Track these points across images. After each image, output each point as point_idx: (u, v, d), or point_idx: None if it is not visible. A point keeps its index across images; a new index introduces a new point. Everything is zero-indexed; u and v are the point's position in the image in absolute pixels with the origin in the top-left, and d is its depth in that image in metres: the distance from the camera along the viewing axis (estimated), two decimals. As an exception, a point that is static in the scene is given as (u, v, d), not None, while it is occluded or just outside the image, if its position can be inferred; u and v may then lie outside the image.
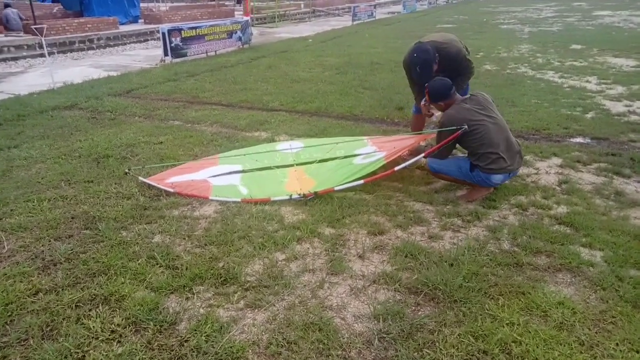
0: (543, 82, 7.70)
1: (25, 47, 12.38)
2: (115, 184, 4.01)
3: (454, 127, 3.39)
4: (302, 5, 25.44)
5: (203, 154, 4.76)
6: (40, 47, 9.50)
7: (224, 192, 3.76)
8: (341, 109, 6.37)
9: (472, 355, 2.09)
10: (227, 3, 21.46)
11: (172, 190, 3.77)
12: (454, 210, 3.43)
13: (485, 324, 2.26)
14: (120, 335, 2.26)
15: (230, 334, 2.25)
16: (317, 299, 2.50)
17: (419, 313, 2.38)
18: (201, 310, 2.43)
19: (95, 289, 2.60)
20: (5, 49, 12.00)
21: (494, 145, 3.36)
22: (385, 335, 2.22)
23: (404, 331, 2.23)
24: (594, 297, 2.47)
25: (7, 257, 2.94)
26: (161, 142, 5.11)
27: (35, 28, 8.75)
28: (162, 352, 2.15)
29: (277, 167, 4.22)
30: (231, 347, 2.15)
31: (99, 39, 14.25)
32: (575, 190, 3.72)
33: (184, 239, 3.13)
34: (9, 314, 2.42)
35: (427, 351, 2.12)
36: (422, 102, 3.94)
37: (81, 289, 2.62)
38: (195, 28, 11.42)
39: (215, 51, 12.05)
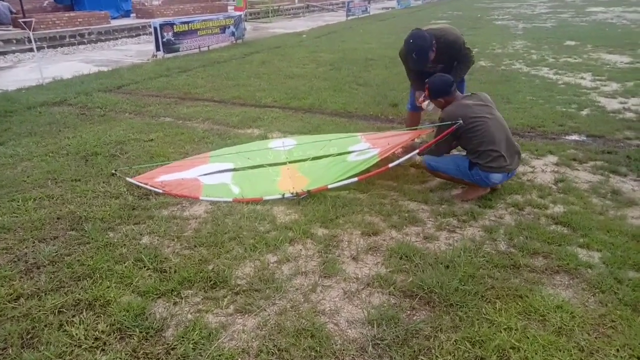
0: (538, 79, 7.65)
1: (14, 41, 12.17)
2: (103, 182, 3.91)
3: (449, 122, 3.32)
4: (296, 0, 25.26)
5: (194, 151, 4.66)
6: (30, 41, 9.33)
7: (215, 192, 3.67)
8: (335, 105, 6.28)
9: (469, 362, 2.02)
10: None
11: (161, 191, 3.67)
12: (450, 210, 3.36)
13: (482, 329, 2.19)
14: (105, 343, 2.17)
15: (219, 341, 2.17)
16: (309, 303, 2.43)
17: (414, 318, 2.31)
18: (189, 316, 2.35)
19: (79, 294, 2.51)
20: (-6, 43, 11.79)
21: (495, 143, 3.29)
22: (379, 342, 2.15)
23: (398, 337, 2.16)
24: (593, 300, 2.42)
25: (-11, 260, 2.85)
26: (152, 140, 5.00)
27: (23, 22, 8.58)
28: (148, 361, 2.07)
29: (270, 165, 4.14)
30: (220, 355, 2.07)
31: (90, 34, 14.04)
32: (571, 189, 3.67)
33: (173, 240, 3.04)
34: (-11, 320, 2.32)
35: (423, 358, 2.05)
36: (420, 98, 3.85)
37: (65, 293, 2.53)
38: (187, 23, 11.26)
39: (208, 46, 11.91)
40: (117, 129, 5.33)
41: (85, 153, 4.58)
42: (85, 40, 13.70)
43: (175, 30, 10.84)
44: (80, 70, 9.11)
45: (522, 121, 5.32)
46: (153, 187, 3.74)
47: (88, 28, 14.09)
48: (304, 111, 6.12)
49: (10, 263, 2.80)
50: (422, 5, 28.51)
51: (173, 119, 5.82)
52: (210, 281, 2.60)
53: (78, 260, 2.82)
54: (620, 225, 3.11)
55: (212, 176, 3.95)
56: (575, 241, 2.94)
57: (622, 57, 9.38)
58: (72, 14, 14.73)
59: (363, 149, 4.12)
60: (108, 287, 2.56)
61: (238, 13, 13.56)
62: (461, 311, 2.32)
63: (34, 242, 3.03)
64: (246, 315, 2.35)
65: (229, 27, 12.63)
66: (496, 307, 2.34)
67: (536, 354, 2.04)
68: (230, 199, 3.54)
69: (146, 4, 19.30)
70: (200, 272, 2.66)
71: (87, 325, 2.28)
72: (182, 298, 2.48)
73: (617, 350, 2.07)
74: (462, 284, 2.50)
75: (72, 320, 2.32)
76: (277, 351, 2.10)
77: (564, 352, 2.05)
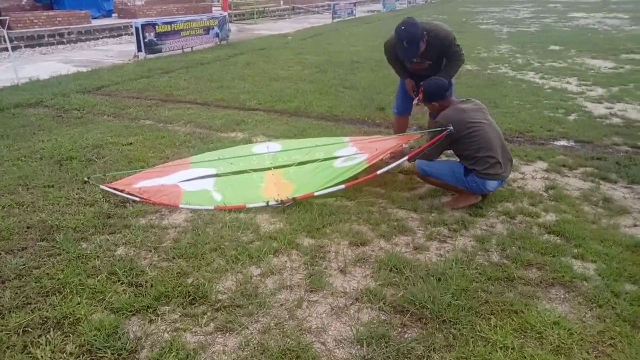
0: (524, 83, 7.64)
1: (-10, 40, 11.77)
2: (78, 189, 3.71)
3: (439, 129, 3.22)
4: (282, 2, 25.09)
5: (175, 156, 4.48)
6: (5, 40, 9.03)
7: (196, 199, 3.50)
8: (321, 108, 6.15)
9: (465, 384, 1.91)
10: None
11: (138, 199, 3.49)
12: (440, 219, 3.25)
13: (477, 347, 2.08)
14: (72, 367, 2.00)
15: (198, 363, 2.02)
16: (294, 320, 2.28)
17: (406, 336, 2.19)
18: (166, 335, 2.19)
19: (47, 311, 2.33)
20: (-32, 42, 11.38)
21: (492, 149, 3.19)
22: (369, 363, 2.02)
23: (389, 358, 2.04)
24: (590, 315, 2.32)
25: (-51, 274, 2.64)
26: (130, 143, 4.80)
27: (-3, 20, 8.28)
28: (119, 387, 1.91)
29: (254, 170, 3.98)
30: (198, 380, 1.92)
31: (69, 33, 13.68)
32: (562, 196, 3.60)
33: (150, 251, 2.87)
34: (-55, 342, 2.13)
35: (416, 381, 1.93)
36: (414, 102, 3.72)
37: (31, 310, 2.35)
38: (170, 23, 11.04)
39: (192, 47, 11.69)
40: (95, 132, 5.12)
41: (59, 157, 4.37)
42: (64, 40, 13.35)
43: (157, 31, 10.60)
44: (59, 71, 8.82)
45: (510, 126, 5.26)
46: (130, 194, 3.56)
47: (68, 28, 13.74)
48: (289, 114, 5.98)
49: (-28, 277, 2.60)
50: (408, 9, 28.60)
51: (153, 122, 5.62)
52: (189, 296, 2.44)
53: (47, 274, 2.63)
54: (614, 234, 3.03)
55: (193, 182, 3.78)
56: (569, 252, 2.86)
57: (605, 62, 9.45)
58: (51, 12, 14.34)
59: (350, 154, 3.99)
60: (78, 304, 2.38)
61: (223, 14, 13.35)
62: (455, 328, 2.20)
63: (0, 254, 2.83)
64: (227, 334, 2.20)
65: (213, 28, 12.43)
66: (491, 324, 2.23)
67: (535, 375, 1.93)
68: (212, 207, 3.38)
69: (128, 3, 18.96)
70: (179, 287, 2.51)
71: (54, 347, 2.11)
72: (158, 315, 2.32)
73: (618, 370, 1.98)
74: (455, 298, 2.39)
75: (38, 341, 2.15)
76: (260, 375, 1.96)
77: (563, 372, 1.95)
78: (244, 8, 22.06)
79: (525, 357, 2.02)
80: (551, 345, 2.10)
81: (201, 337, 2.19)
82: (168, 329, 2.23)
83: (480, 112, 3.30)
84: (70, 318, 2.28)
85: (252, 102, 6.57)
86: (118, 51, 11.99)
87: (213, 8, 19.71)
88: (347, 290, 2.51)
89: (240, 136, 5.09)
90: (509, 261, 2.76)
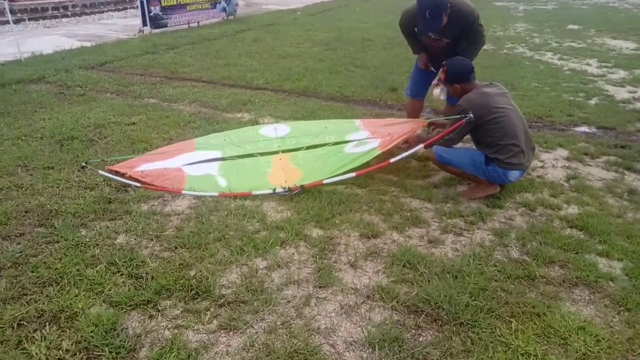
0: (542, 64, 7.35)
1: (-7, 12, 11.55)
2: (78, 171, 3.58)
3: (459, 116, 3.02)
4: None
5: (179, 137, 4.33)
6: (11, 12, 8.83)
7: (199, 184, 3.36)
8: (331, 89, 5.94)
9: (484, 395, 1.78)
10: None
11: (139, 185, 3.35)
12: (455, 210, 3.09)
13: (497, 354, 1.94)
14: (67, 367, 1.89)
15: (199, 365, 1.91)
16: (302, 319, 2.16)
17: (420, 339, 2.05)
18: (166, 333, 2.08)
19: (43, 303, 2.22)
20: (-29, 14, 11.18)
21: (517, 137, 3.00)
22: (382, 369, 1.89)
23: (403, 363, 1.91)
24: (618, 319, 2.17)
25: (-57, 261, 2.54)
26: (133, 123, 4.65)
27: (-1, -8, 8.06)
28: (116, 390, 1.80)
29: (261, 154, 3.82)
30: (199, 385, 1.81)
31: (74, 6, 13.41)
32: (585, 187, 3.41)
33: (152, 240, 2.75)
34: None
35: (431, 390, 1.80)
36: (434, 81, 3.52)
37: (27, 302, 2.24)
38: (176, -4, 10.74)
39: (198, 22, 11.40)
40: (97, 111, 4.96)
41: (61, 137, 4.23)
42: (68, 13, 13.09)
43: (163, 5, 10.31)
44: (62, 45, 8.63)
45: (528, 110, 5.03)
46: (132, 178, 3.42)
47: (72, 0, 13.45)
48: (298, 94, 5.78)
49: (-34, 265, 2.50)
50: (420, -16, 27.80)
51: (158, 101, 5.45)
52: (192, 290, 2.32)
53: (44, 263, 2.52)
54: (641, 230, 2.86)
55: (197, 166, 3.63)
56: (594, 248, 2.69)
57: (627, 43, 9.09)
58: (55, -16, 14.03)
59: (362, 138, 3.82)
60: (76, 296, 2.27)
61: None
62: (473, 332, 2.07)
63: (-4, 240, 2.72)
64: (231, 333, 2.08)
65: (220, 2, 12.09)
66: (512, 328, 2.09)
67: (560, 387, 1.80)
68: (217, 194, 3.24)
69: (134, -25, 18.52)
70: (181, 279, 2.38)
71: (50, 343, 2.01)
72: (159, 310, 2.20)
73: (651, 383, 1.84)
74: (473, 298, 2.25)
75: (33, 336, 2.04)
76: (265, 380, 1.84)
77: (591, 385, 1.81)
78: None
79: (550, 367, 1.89)
80: (577, 353, 1.96)
81: (203, 335, 2.07)
82: (169, 326, 2.11)
83: (504, 97, 3.10)
84: (67, 311, 2.17)
85: (260, 80, 6.36)
86: (123, 25, 11.73)
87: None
88: (358, 287, 2.38)
89: (246, 117, 4.92)
90: (530, 258, 2.60)
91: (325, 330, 2.10)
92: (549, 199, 3.24)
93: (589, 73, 6.78)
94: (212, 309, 2.21)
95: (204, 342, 2.03)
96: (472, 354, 1.96)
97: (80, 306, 2.20)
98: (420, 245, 2.73)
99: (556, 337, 2.04)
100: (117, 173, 3.51)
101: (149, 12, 10.04)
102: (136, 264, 2.50)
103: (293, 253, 2.64)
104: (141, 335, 2.06)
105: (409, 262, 2.53)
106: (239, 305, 2.23)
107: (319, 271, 2.48)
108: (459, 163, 3.20)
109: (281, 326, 2.11)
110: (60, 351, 1.97)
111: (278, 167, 3.61)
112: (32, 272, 2.45)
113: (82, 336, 2.04)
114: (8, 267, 2.49)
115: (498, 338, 2.03)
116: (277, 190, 3.24)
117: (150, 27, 10.14)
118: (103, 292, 2.31)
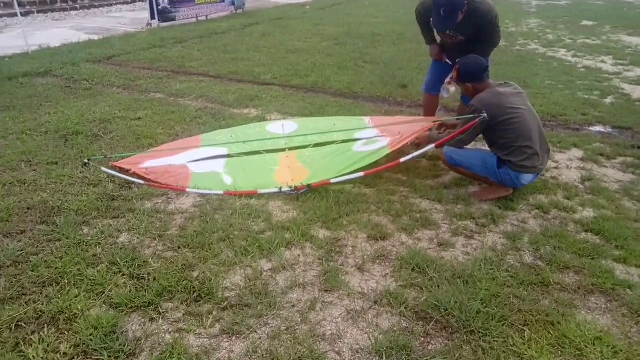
0: (555, 61, 7.20)
1: (2, 4, 11.56)
2: (82, 167, 3.53)
3: (472, 115, 2.93)
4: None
5: (185, 133, 4.27)
6: (19, 4, 8.81)
7: (204, 181, 3.30)
8: (339, 84, 5.85)
9: (496, 409, 1.70)
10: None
11: (143, 182, 3.29)
12: (467, 211, 3.00)
13: (509, 366, 1.86)
14: (65, 371, 1.84)
15: (200, 372, 1.84)
16: (307, 325, 2.09)
17: (429, 347, 1.98)
18: (167, 337, 2.02)
19: (42, 304, 2.17)
20: (-19, 6, 11.20)
21: (531, 139, 2.90)
22: (389, 379, 1.82)
23: (412, 374, 1.84)
24: (636, 330, 2.08)
25: (-57, 259, 2.50)
26: (139, 118, 4.60)
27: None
28: (114, 396, 1.75)
29: (267, 151, 3.75)
30: (200, 393, 1.75)
31: (83, -1, 13.40)
32: (600, 189, 3.31)
33: (155, 239, 2.69)
34: None
35: (441, 403, 1.73)
36: (448, 79, 3.43)
37: (25, 303, 2.19)
38: (184, -10, 10.68)
39: (206, 16, 11.33)
40: (103, 105, 4.92)
41: (65, 132, 4.19)
42: (77, 6, 13.07)
43: (171, -2, 10.26)
44: (70, 39, 8.60)
45: (542, 108, 4.91)
46: (136, 174, 3.37)
47: (81, -7, 13.43)
48: (306, 90, 5.70)
49: (-34, 263, 2.45)
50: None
51: (164, 96, 5.40)
52: (194, 292, 2.26)
53: (45, 262, 2.47)
54: (660, 235, 2.76)
55: (202, 163, 3.57)
56: (610, 254, 2.59)
57: (643, 40, 8.89)
58: (64, -23, 14.01)
59: (371, 136, 3.73)
60: (76, 297, 2.22)
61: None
62: (484, 341, 1.99)
63: (-3, 237, 2.68)
64: (233, 338, 2.02)
65: (229, -5, 12.02)
66: (525, 337, 2.01)
67: (577, 403, 1.71)
68: (222, 192, 3.17)
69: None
70: (183, 281, 2.32)
71: (48, 346, 1.95)
72: (160, 313, 2.14)
73: (672, 399, 1.75)
74: (485, 305, 2.16)
75: (31, 339, 1.99)
76: (268, 388, 1.78)
77: (609, 401, 1.73)
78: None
79: (566, 381, 1.80)
80: (594, 366, 1.87)
81: (205, 340, 2.01)
82: (170, 330, 2.06)
83: (519, 97, 2.99)
84: (66, 313, 2.12)
85: (267, 75, 6.28)
86: (131, 19, 11.69)
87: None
88: (365, 292, 2.30)
89: (254, 113, 4.85)
90: (544, 263, 2.51)
91: (330, 336, 2.03)
92: (564, 202, 3.14)
93: (604, 71, 6.63)
94: (214, 313, 2.15)
95: (206, 348, 1.97)
96: (483, 365, 1.88)
97: (80, 308, 2.14)
98: (430, 248, 2.64)
99: (571, 348, 1.96)
100: (121, 170, 3.45)
101: (158, 5, 9.99)
102: (138, 264, 2.44)
103: (299, 255, 2.57)
104: (141, 339, 2.00)
105: (418, 265, 2.45)
106: (242, 309, 2.16)
107: (325, 274, 2.40)
108: (470, 165, 3.11)
109: (285, 331, 2.04)
110: (58, 354, 1.92)
111: (284, 165, 3.54)
112: (32, 271, 2.40)
113: (80, 339, 1.98)
114: (8, 266, 2.44)
115: (510, 348, 1.95)
116: (283, 189, 3.17)
117: (159, 20, 10.09)
118: (104, 293, 2.25)
